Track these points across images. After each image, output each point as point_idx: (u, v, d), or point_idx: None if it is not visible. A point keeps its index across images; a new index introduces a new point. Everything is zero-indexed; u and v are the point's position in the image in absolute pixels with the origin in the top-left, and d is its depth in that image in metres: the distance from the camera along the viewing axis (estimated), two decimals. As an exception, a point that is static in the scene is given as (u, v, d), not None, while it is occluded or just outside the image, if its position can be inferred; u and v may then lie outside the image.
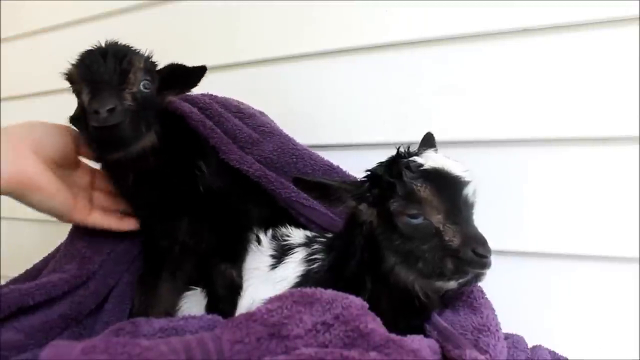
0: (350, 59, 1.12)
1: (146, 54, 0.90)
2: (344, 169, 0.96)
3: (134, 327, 0.69)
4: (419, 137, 0.89)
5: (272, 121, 1.03)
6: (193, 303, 0.96)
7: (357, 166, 0.95)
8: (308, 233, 0.94)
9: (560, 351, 0.80)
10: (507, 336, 0.78)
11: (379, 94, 1.09)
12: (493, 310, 0.75)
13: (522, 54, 0.95)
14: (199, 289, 0.98)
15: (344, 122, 1.13)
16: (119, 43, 0.88)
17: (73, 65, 0.85)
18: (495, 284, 0.74)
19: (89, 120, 0.79)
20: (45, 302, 0.84)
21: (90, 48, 0.87)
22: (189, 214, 0.94)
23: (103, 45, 0.87)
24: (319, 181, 0.79)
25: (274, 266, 0.89)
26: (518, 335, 0.80)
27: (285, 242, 0.92)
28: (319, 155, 0.98)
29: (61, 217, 0.88)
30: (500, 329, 0.71)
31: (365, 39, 1.09)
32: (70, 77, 0.85)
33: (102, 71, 0.82)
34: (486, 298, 0.77)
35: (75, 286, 0.89)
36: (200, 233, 0.95)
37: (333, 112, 1.14)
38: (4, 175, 0.76)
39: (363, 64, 1.10)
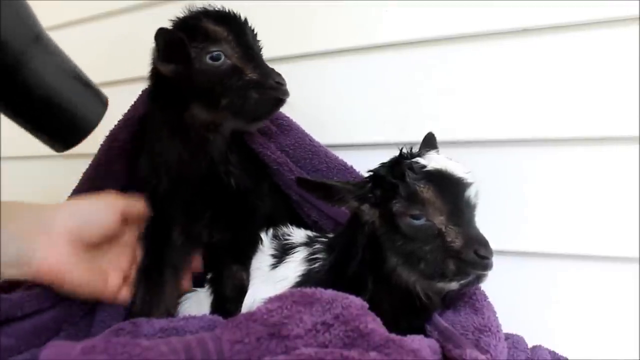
0: (350, 59, 1.11)
1: None
2: (357, 170, 0.95)
3: (134, 327, 0.69)
4: (419, 137, 0.89)
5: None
6: (193, 303, 0.96)
7: (357, 166, 0.96)
8: (309, 233, 0.94)
9: (560, 351, 0.80)
10: (507, 336, 0.78)
11: (379, 94, 1.09)
12: (494, 312, 0.75)
13: (522, 54, 0.95)
14: (199, 289, 0.98)
15: (343, 122, 1.13)
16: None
17: (209, 20, 0.84)
18: (495, 284, 0.74)
19: (268, 90, 0.82)
20: (34, 312, 0.81)
21: (220, 10, 0.87)
22: (215, 207, 0.92)
23: (229, 11, 0.87)
24: (321, 181, 0.80)
25: (274, 266, 0.89)
26: (518, 336, 0.80)
27: (286, 242, 0.92)
28: (334, 154, 0.98)
29: (89, 299, 0.86)
30: (501, 330, 0.71)
31: (365, 39, 1.08)
32: (209, 32, 0.83)
33: (255, 44, 0.87)
34: (488, 301, 0.77)
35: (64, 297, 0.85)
36: (217, 228, 0.93)
37: (333, 112, 1.14)
38: (34, 268, 0.76)
39: (363, 64, 1.10)
